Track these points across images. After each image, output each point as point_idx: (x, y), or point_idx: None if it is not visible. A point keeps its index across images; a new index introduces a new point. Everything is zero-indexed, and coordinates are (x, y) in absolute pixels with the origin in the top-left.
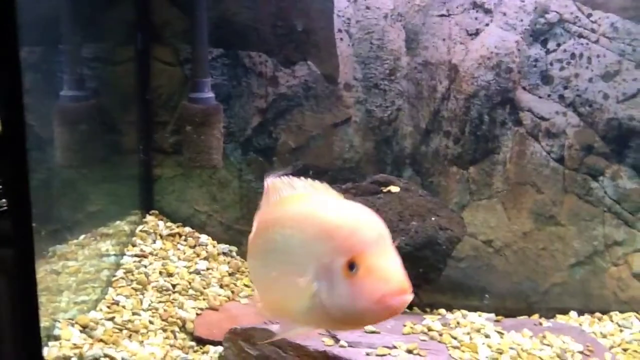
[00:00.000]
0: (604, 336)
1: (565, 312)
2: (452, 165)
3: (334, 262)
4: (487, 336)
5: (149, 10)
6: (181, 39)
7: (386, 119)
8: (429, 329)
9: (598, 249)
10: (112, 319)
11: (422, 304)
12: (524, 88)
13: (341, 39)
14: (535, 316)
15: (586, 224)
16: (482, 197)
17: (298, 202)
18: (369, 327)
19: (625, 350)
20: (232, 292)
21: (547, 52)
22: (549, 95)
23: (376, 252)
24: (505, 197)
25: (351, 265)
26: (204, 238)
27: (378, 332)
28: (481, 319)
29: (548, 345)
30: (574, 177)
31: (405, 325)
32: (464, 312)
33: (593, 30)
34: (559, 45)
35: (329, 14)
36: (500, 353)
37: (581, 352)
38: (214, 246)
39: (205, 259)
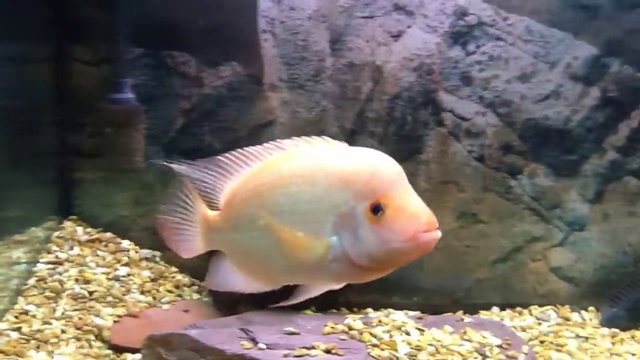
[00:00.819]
0: (524, 330)
1: (488, 307)
2: None
3: (355, 209)
4: (407, 333)
5: (66, 8)
6: (100, 38)
7: (312, 119)
8: (350, 328)
9: (518, 245)
10: (18, 329)
11: (350, 304)
12: (445, 89)
13: (266, 39)
14: (460, 312)
15: (507, 221)
16: None
17: (293, 159)
18: (289, 328)
19: (542, 342)
20: (154, 298)
21: (467, 54)
22: (469, 96)
23: (400, 190)
24: (430, 197)
25: (376, 208)
26: (125, 244)
27: (298, 333)
28: (404, 317)
29: (468, 340)
30: (494, 176)
31: (326, 326)
32: (390, 310)
33: (509, 33)
34: (478, 47)
35: (253, 14)
36: (420, 350)
37: (499, 346)
38: (136, 252)
39: (126, 264)
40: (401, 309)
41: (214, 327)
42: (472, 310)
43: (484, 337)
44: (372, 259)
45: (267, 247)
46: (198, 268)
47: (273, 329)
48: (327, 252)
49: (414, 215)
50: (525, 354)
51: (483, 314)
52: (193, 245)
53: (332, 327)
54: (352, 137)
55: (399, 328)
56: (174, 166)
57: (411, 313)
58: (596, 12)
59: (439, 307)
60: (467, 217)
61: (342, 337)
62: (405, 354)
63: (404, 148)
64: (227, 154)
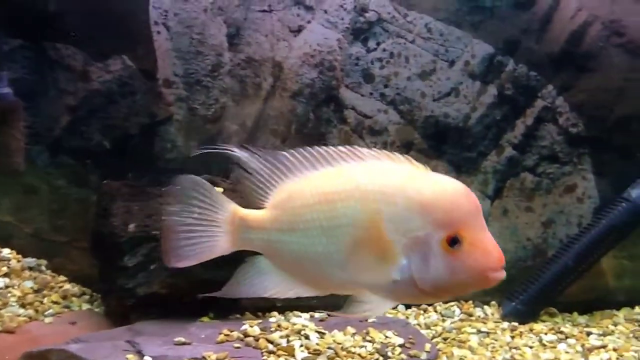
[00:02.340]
0: (428, 327)
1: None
2: None
3: (431, 237)
4: (306, 337)
5: None
6: None
7: (210, 117)
8: (246, 335)
9: None
10: None
11: (255, 309)
12: (347, 86)
13: (158, 32)
14: None
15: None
16: None
17: (372, 173)
18: (180, 338)
19: (445, 339)
20: (36, 311)
21: (368, 50)
22: (371, 94)
23: (477, 225)
24: None
25: (453, 240)
26: (5, 252)
27: (189, 343)
28: (305, 320)
29: (370, 341)
30: None
31: (220, 333)
32: (296, 312)
33: (409, 31)
34: (378, 44)
35: (145, 4)
36: (318, 354)
37: (402, 345)
38: (18, 261)
39: (6, 275)
40: (309, 310)
41: (100, 340)
42: None
43: (387, 337)
44: (437, 287)
45: (327, 256)
46: (89, 276)
47: (162, 340)
48: (397, 269)
49: (488, 253)
50: (428, 352)
51: (389, 313)
52: (214, 248)
53: (227, 335)
54: (253, 135)
55: (298, 332)
56: (235, 152)
57: (316, 315)
58: (492, 12)
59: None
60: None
61: (237, 345)
62: None
63: (307, 146)
64: (294, 151)
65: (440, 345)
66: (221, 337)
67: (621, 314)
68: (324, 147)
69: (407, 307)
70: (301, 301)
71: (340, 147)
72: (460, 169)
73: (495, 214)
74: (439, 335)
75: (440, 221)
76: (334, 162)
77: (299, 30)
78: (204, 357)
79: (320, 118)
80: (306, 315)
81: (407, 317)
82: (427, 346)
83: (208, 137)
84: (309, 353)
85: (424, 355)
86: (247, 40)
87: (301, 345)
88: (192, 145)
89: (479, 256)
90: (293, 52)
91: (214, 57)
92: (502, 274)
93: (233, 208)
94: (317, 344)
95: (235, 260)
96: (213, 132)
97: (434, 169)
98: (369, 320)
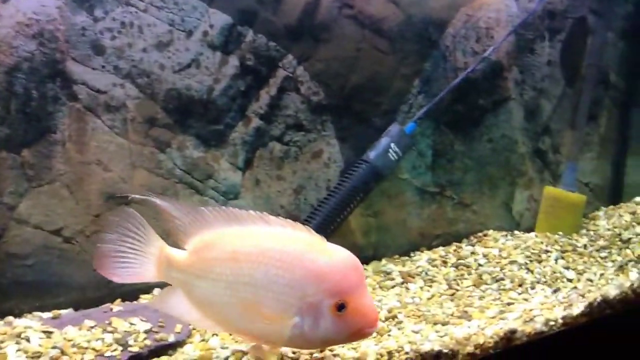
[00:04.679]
0: None
1: (149, 291)
2: (1, 149)
3: (322, 302)
4: (27, 340)
5: None
6: None
7: None
8: None
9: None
10: None
11: None
12: (74, 59)
13: None
14: (118, 301)
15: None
16: (43, 183)
17: (277, 240)
18: None
19: None
20: None
21: (95, 20)
22: (103, 67)
23: (360, 293)
24: (70, 180)
25: (340, 306)
26: None
27: None
28: (29, 322)
29: (111, 332)
30: (141, 151)
31: None
32: (30, 315)
33: None
34: (106, 13)
35: None
36: (39, 356)
37: (149, 330)
38: None
39: None
40: (51, 309)
41: None
42: (132, 297)
43: (132, 324)
44: (324, 343)
45: (230, 307)
46: None
47: None
48: (290, 326)
49: (368, 315)
50: (178, 332)
51: (144, 298)
52: (143, 273)
53: None
54: None
55: (17, 336)
56: (158, 201)
57: (45, 315)
58: None
59: (96, 300)
60: (117, 199)
61: None
62: None
63: (32, 127)
64: (209, 207)
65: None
66: None
67: (370, 268)
68: (237, 209)
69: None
70: (41, 300)
71: (251, 212)
72: (208, 143)
73: (248, 185)
74: None
75: (331, 290)
76: (244, 223)
77: None
78: None
79: (45, 95)
80: (28, 317)
81: None
82: (178, 327)
83: None
84: (28, 357)
85: (172, 337)
86: None
87: (18, 350)
88: None
89: (360, 318)
90: (4, 21)
91: None
92: (376, 328)
93: (161, 246)
94: (40, 345)
95: None
96: None
97: (182, 144)
98: (115, 310)
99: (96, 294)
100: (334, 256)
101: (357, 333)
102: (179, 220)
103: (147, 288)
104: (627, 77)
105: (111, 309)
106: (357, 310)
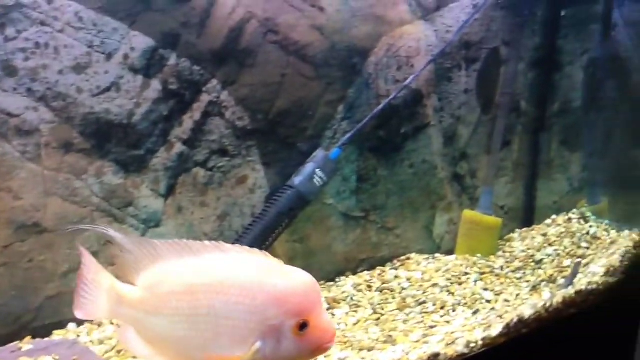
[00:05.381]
0: (102, 342)
1: (63, 326)
2: None
3: (284, 324)
4: None
5: None
6: None
7: None
8: None
9: (92, 250)
10: None
11: None
12: None
13: None
14: (28, 338)
15: (76, 227)
16: None
17: (233, 268)
18: None
19: (119, 351)
20: None
21: (7, 39)
22: (15, 89)
23: (319, 311)
24: None
25: (302, 326)
26: None
27: None
28: None
29: None
30: (55, 178)
31: None
32: None
33: (56, 19)
34: (19, 32)
35: None
36: None
37: None
38: None
39: None
40: None
41: None
42: (45, 333)
43: None
44: None
45: (188, 340)
46: None
47: None
48: (254, 352)
49: (327, 332)
50: None
51: (57, 334)
52: (94, 310)
53: None
54: None
55: None
56: (110, 233)
57: None
58: (150, 3)
59: (3, 338)
60: (29, 228)
61: None
62: None
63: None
64: (161, 240)
65: (114, 359)
66: None
67: None
68: (190, 241)
69: (80, 324)
70: None
71: (206, 242)
72: (128, 169)
73: (170, 213)
74: (113, 349)
75: (292, 312)
76: (199, 254)
77: None
78: None
79: None
80: None
81: (79, 335)
82: None
83: None
84: None
85: None
86: None
87: None
88: None
89: (321, 335)
90: None
91: None
92: (333, 343)
93: (111, 282)
94: None
95: None
96: None
97: (100, 171)
98: (24, 349)
99: (4, 330)
100: (293, 278)
101: (318, 349)
102: (129, 253)
103: (60, 323)
104: (536, 105)
105: (20, 348)
106: (317, 327)
